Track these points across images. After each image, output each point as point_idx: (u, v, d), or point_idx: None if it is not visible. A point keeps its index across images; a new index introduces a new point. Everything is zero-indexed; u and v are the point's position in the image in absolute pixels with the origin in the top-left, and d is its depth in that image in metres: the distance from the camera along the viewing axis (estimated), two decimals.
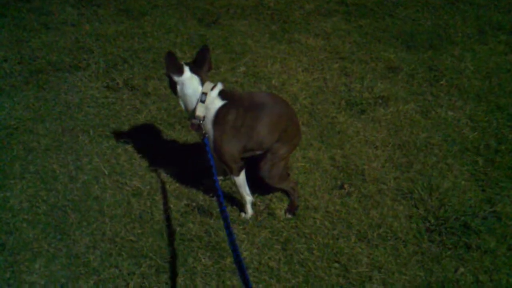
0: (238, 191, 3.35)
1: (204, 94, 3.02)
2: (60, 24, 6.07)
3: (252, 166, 3.27)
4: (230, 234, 2.29)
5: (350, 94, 4.70)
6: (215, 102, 3.04)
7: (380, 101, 4.58)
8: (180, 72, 3.06)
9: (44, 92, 4.74)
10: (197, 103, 3.03)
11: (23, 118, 4.35)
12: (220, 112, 3.03)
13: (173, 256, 3.12)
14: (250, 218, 3.40)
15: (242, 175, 3.24)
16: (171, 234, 3.27)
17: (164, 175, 3.75)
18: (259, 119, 3.04)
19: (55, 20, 6.17)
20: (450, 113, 4.44)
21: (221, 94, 3.08)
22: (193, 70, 3.08)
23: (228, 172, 3.24)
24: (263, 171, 3.20)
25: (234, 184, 3.30)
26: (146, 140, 4.12)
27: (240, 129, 3.04)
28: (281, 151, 3.17)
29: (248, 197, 3.36)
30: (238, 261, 2.13)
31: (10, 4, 6.60)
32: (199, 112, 3.02)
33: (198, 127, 3.05)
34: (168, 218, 3.39)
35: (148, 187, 3.63)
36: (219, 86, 3.12)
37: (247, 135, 3.05)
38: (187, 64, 3.10)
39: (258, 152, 3.21)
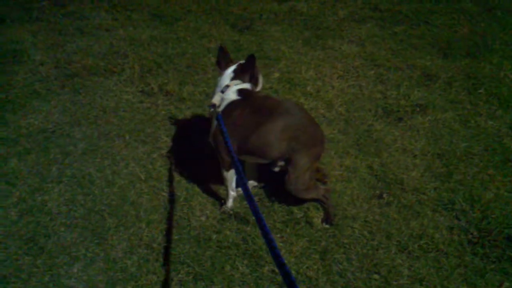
0: (224, 184, 3.48)
1: (227, 86, 3.25)
2: (95, 29, 6.14)
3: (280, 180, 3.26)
4: (259, 219, 1.97)
5: (387, 102, 4.62)
6: (230, 96, 3.20)
7: (417, 109, 4.50)
8: (225, 67, 3.41)
9: (80, 96, 4.78)
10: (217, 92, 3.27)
11: (59, 122, 4.39)
12: (229, 106, 3.17)
13: (210, 264, 3.09)
14: (230, 210, 3.49)
15: (232, 172, 3.36)
16: (208, 241, 3.25)
17: (200, 181, 3.73)
18: (261, 125, 3.04)
19: (90, 25, 6.25)
20: (490, 122, 4.33)
21: (240, 91, 3.23)
22: (235, 70, 3.35)
23: (221, 164, 3.35)
24: (289, 185, 3.16)
25: (222, 176, 3.41)
26: (182, 146, 4.11)
27: (238, 128, 3.10)
28: (301, 162, 3.09)
29: (232, 193, 3.49)
30: (279, 262, 1.74)
31: (45, 8, 6.71)
32: (214, 100, 3.22)
33: (210, 113, 3.30)
34: (205, 225, 3.37)
35: (185, 192, 3.62)
36: (244, 85, 3.30)
37: (244, 137, 3.10)
38: (238, 64, 3.38)
39: (262, 161, 3.25)
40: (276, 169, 3.27)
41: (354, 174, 3.78)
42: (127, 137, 4.19)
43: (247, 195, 2.08)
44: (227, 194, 3.49)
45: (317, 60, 5.38)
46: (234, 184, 3.45)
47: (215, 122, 3.22)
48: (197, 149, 4.04)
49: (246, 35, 5.97)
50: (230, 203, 3.50)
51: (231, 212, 3.46)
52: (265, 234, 1.82)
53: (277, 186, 3.57)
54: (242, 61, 3.41)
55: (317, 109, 4.50)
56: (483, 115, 4.42)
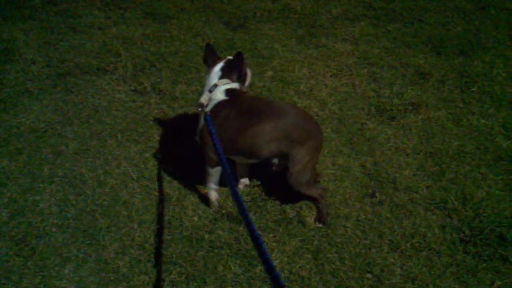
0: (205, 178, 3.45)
1: (215, 85, 3.24)
2: (87, 27, 6.09)
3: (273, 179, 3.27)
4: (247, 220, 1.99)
5: (380, 100, 4.62)
6: (218, 96, 3.20)
7: (410, 107, 4.49)
8: (212, 65, 3.37)
9: (72, 95, 4.75)
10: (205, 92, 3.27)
11: (51, 121, 4.36)
12: (217, 106, 3.17)
13: (203, 264, 3.08)
14: (217, 203, 3.49)
15: (216, 169, 3.34)
16: (200, 241, 3.24)
17: (192, 181, 3.72)
18: (249, 126, 3.05)
19: (82, 23, 6.19)
20: (482, 120, 4.34)
21: (228, 91, 3.22)
22: (223, 68, 3.33)
23: (206, 161, 3.34)
24: (290, 179, 3.17)
25: (206, 171, 3.40)
26: (174, 145, 4.10)
27: (226, 129, 3.09)
28: (298, 157, 3.10)
29: (211, 184, 3.44)
30: (269, 266, 1.72)
31: (38, 6, 6.64)
32: (202, 99, 3.22)
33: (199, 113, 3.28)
34: (197, 225, 3.36)
35: (177, 192, 3.61)
36: (233, 85, 3.29)
37: (232, 138, 3.10)
38: (226, 61, 3.35)
39: (252, 161, 3.28)
40: (274, 168, 3.27)
41: (347, 173, 3.78)
42: (119, 136, 4.17)
43: (235, 198, 2.06)
44: (207, 186, 3.46)
45: (311, 59, 5.36)
46: (216, 178, 3.41)
47: (202, 121, 3.22)
48: (190, 149, 4.02)
49: (239, 33, 5.94)
50: (212, 195, 3.47)
51: (220, 209, 3.46)
52: (254, 238, 1.81)
53: (269, 185, 3.58)
54: (230, 57, 3.39)
55: (310, 108, 4.49)
56: (476, 114, 4.43)
